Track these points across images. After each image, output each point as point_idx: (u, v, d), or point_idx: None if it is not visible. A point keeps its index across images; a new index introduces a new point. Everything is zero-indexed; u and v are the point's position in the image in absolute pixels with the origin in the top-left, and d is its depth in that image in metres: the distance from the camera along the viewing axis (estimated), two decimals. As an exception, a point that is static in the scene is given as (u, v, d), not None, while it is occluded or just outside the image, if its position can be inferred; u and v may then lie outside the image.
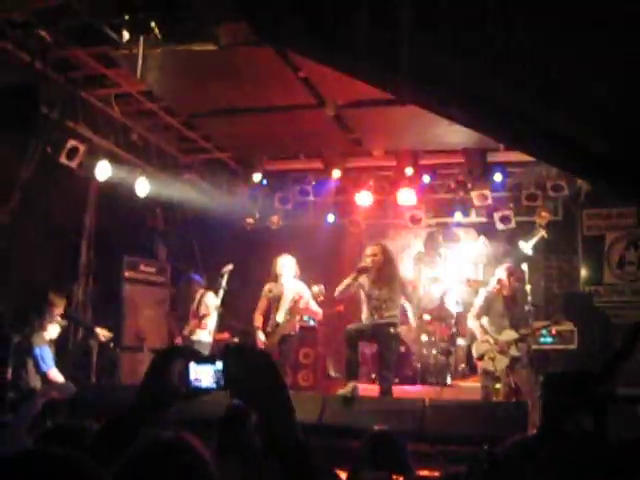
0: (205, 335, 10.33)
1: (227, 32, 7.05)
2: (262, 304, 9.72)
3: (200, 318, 10.36)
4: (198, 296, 10.57)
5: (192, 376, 1.86)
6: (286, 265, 9.70)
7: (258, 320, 9.66)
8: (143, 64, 7.91)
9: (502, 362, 8.75)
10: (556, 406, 2.04)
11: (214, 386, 1.85)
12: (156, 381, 1.87)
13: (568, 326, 9.39)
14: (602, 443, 1.95)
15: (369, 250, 9.05)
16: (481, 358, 8.91)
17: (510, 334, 8.84)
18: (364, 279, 8.93)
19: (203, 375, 1.85)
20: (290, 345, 9.52)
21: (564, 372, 8.57)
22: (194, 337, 10.30)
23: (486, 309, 9.05)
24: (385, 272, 8.91)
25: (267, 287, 9.74)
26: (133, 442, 1.68)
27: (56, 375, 8.75)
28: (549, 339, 9.97)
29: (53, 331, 8.98)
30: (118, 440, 1.72)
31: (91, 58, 8.56)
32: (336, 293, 9.11)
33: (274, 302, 9.66)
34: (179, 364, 1.87)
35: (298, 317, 9.67)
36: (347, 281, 8.96)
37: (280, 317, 9.56)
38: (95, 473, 1.49)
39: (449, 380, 10.95)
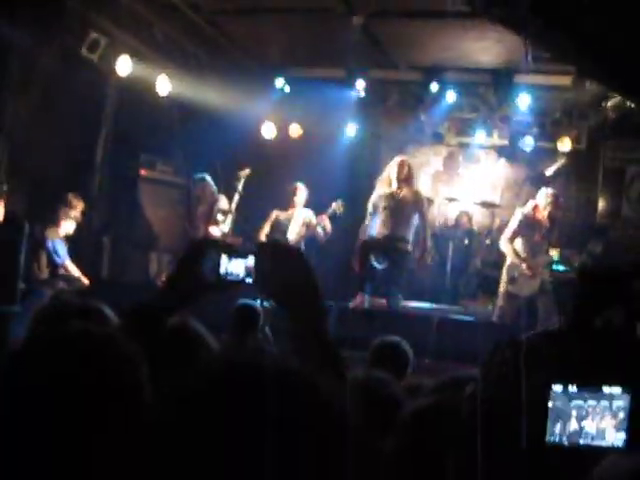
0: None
1: None
2: (267, 225, 9.89)
3: (211, 224, 10.26)
4: (210, 200, 10.45)
5: (223, 269, 1.84)
6: (301, 195, 9.96)
7: (261, 238, 9.85)
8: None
9: (532, 286, 8.77)
10: (588, 298, 1.99)
11: (244, 279, 1.83)
12: (187, 271, 1.85)
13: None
14: (632, 340, 1.91)
15: (393, 163, 9.03)
16: (511, 281, 8.90)
17: (544, 259, 8.84)
18: (384, 190, 8.96)
19: (234, 269, 1.83)
20: None
21: (598, 264, 8.60)
22: None
23: (520, 231, 8.99)
24: (406, 187, 8.92)
25: (275, 213, 9.83)
26: (159, 332, 1.66)
27: (71, 268, 8.83)
28: (561, 267, 9.93)
29: (68, 227, 9.03)
30: (142, 329, 1.70)
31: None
32: (370, 207, 9.20)
33: (280, 225, 9.80)
34: (211, 256, 1.85)
35: (304, 240, 9.85)
36: (379, 191, 8.99)
37: (291, 236, 9.72)
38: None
39: (457, 300, 11.00)
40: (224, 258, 1.84)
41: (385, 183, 9.17)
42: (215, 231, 10.16)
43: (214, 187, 10.63)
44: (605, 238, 10.75)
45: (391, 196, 8.92)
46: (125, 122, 11.20)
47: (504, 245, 9.16)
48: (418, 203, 9.09)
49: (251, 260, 1.82)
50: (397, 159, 9.46)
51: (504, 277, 9.11)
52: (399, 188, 8.95)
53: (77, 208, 9.16)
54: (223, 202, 10.25)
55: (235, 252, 1.85)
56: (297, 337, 1.74)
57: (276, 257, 1.78)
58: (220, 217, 10.19)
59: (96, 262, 10.50)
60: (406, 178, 9.07)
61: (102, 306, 2.72)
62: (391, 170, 9.21)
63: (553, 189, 9.30)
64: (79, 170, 10.61)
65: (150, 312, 1.83)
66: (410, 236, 9.02)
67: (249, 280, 1.83)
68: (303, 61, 11.55)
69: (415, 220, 9.07)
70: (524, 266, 8.80)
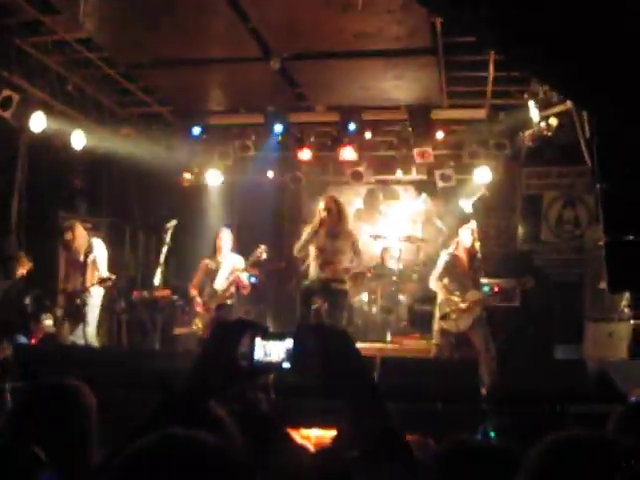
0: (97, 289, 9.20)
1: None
2: (199, 277, 9.71)
3: (87, 268, 9.15)
4: (83, 243, 9.28)
5: (258, 353, 1.71)
6: (225, 240, 9.68)
7: (193, 291, 9.64)
8: (84, 9, 7.58)
9: (466, 321, 8.84)
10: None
11: (283, 364, 1.70)
12: (220, 357, 1.69)
13: (530, 282, 9.46)
14: None
15: (323, 203, 8.94)
16: (444, 317, 8.95)
17: (475, 293, 8.93)
18: (314, 227, 8.90)
19: (270, 352, 1.70)
20: (227, 313, 9.43)
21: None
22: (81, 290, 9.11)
23: (448, 271, 9.09)
24: (339, 225, 8.87)
25: (205, 261, 9.72)
26: (197, 423, 1.50)
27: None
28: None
29: None
30: (176, 421, 1.52)
31: (26, 3, 8.13)
32: (296, 252, 9.07)
33: (210, 274, 9.63)
34: (245, 339, 1.71)
35: (234, 287, 9.61)
36: (305, 237, 8.89)
37: (218, 285, 9.54)
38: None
39: (389, 337, 10.98)
40: (259, 340, 1.71)
41: (315, 220, 9.07)
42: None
43: (87, 237, 9.44)
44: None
45: (323, 233, 8.83)
46: (38, 179, 10.92)
47: (434, 284, 9.24)
48: (353, 241, 9.06)
49: (289, 343, 1.70)
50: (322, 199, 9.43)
51: (437, 314, 9.17)
52: (328, 221, 8.82)
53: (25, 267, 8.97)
54: (100, 245, 9.33)
55: (271, 334, 1.72)
56: (354, 423, 1.62)
57: (321, 340, 1.68)
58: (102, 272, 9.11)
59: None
60: (334, 212, 8.95)
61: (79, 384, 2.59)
62: (319, 206, 9.16)
63: (472, 224, 9.39)
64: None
65: (183, 400, 1.68)
66: (346, 275, 8.98)
67: (287, 365, 1.69)
68: (221, 109, 11.49)
69: (349, 258, 9.02)
70: (456, 300, 8.89)
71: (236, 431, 1.75)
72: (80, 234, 9.32)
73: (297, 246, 8.98)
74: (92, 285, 8.96)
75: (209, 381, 1.70)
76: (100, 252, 9.25)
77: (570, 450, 1.47)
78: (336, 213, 8.84)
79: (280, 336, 1.71)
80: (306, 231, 8.97)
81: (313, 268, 8.91)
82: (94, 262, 9.12)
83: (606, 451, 1.45)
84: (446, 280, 9.13)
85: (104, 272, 9.09)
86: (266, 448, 1.68)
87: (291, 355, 1.69)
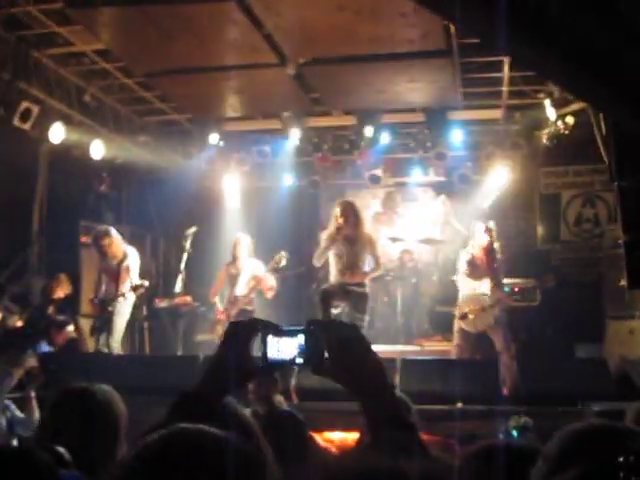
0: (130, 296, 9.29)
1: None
2: (219, 283, 9.85)
3: (121, 276, 9.25)
4: (118, 250, 9.37)
5: (271, 350, 1.74)
6: (244, 246, 9.74)
7: (214, 297, 9.78)
8: (100, 20, 7.66)
9: (484, 321, 8.76)
10: None
11: (294, 360, 1.74)
12: (235, 354, 1.73)
13: (551, 280, 9.39)
14: None
15: (338, 209, 8.94)
16: (463, 317, 8.90)
17: (495, 293, 8.86)
18: (331, 232, 8.90)
19: (283, 349, 1.73)
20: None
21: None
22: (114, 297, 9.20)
23: (469, 270, 9.02)
24: (356, 230, 8.86)
25: (225, 267, 9.81)
26: (211, 421, 1.54)
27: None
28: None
29: None
30: (193, 415, 1.56)
31: (43, 15, 8.24)
32: (315, 261, 9.04)
33: (231, 279, 9.72)
34: (257, 337, 1.75)
35: (255, 293, 9.72)
36: (323, 244, 8.87)
37: (239, 291, 9.63)
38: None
39: (411, 340, 10.99)
40: (271, 338, 1.75)
41: (331, 226, 9.08)
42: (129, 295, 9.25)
43: (122, 244, 9.53)
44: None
45: (341, 239, 8.83)
46: (60, 190, 11.04)
47: (460, 282, 9.18)
48: (371, 245, 9.04)
49: (301, 339, 1.73)
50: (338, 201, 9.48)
51: (457, 314, 9.13)
52: (345, 227, 8.83)
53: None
54: (134, 254, 9.44)
55: (283, 331, 1.75)
56: (368, 418, 1.64)
57: (332, 335, 1.70)
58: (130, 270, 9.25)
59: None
60: (350, 217, 8.96)
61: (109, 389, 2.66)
62: (334, 212, 9.17)
63: (486, 221, 9.32)
64: (16, 243, 10.39)
65: (196, 399, 1.71)
66: (366, 280, 8.97)
67: (300, 360, 1.73)
68: (237, 115, 11.55)
69: (368, 262, 9.03)
70: (480, 297, 8.83)
71: (256, 429, 1.78)
72: (116, 240, 9.37)
73: (316, 255, 8.99)
74: (127, 292, 9.04)
75: (222, 380, 1.74)
76: (134, 260, 9.33)
77: (586, 437, 1.50)
78: (352, 218, 8.82)
79: (292, 333, 1.74)
80: (323, 239, 8.97)
81: (333, 274, 8.92)
82: (127, 269, 9.18)
83: (621, 437, 1.48)
84: (468, 280, 9.08)
85: (136, 279, 9.15)
86: (291, 448, 1.70)
87: (303, 351, 1.72)
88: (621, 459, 1.38)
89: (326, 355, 1.69)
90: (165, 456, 1.32)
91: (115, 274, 9.22)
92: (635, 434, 1.51)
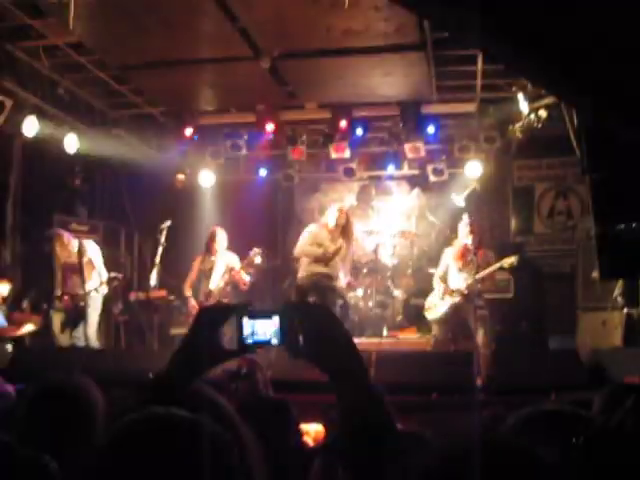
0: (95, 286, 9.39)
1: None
2: (192, 276, 9.80)
3: (84, 270, 9.25)
4: (73, 248, 9.45)
5: (246, 332, 1.77)
6: (220, 239, 9.77)
7: (188, 291, 9.76)
8: (73, 13, 7.60)
9: (443, 307, 8.88)
10: None
11: (270, 341, 1.77)
12: (204, 339, 1.75)
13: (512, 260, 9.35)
14: None
15: (337, 213, 9.24)
16: (427, 310, 9.01)
17: (459, 282, 8.94)
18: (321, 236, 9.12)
19: (258, 330, 1.76)
20: None
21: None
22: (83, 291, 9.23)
23: (456, 265, 9.11)
24: (345, 238, 9.16)
25: (198, 259, 9.80)
26: (181, 401, 1.56)
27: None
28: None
29: None
30: (163, 400, 1.58)
31: (16, 8, 8.16)
32: (297, 251, 9.36)
33: (205, 273, 9.73)
34: (231, 320, 1.77)
35: (230, 286, 9.73)
36: (308, 237, 9.17)
37: (213, 285, 9.63)
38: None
39: (385, 332, 11.05)
40: (246, 320, 1.77)
41: (324, 228, 9.29)
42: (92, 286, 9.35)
43: (73, 240, 9.61)
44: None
45: (328, 247, 9.07)
46: (33, 184, 10.97)
47: (436, 283, 9.28)
48: (348, 258, 9.33)
49: (276, 321, 1.75)
50: (336, 206, 9.65)
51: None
52: (337, 237, 9.14)
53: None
54: (93, 246, 9.59)
55: (258, 313, 1.78)
56: (340, 395, 1.67)
57: (306, 316, 1.73)
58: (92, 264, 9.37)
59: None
60: (345, 228, 9.28)
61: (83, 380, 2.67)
62: (330, 216, 9.35)
63: (465, 218, 9.37)
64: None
65: (166, 383, 1.74)
66: (339, 273, 9.10)
67: (275, 341, 1.76)
68: (211, 108, 11.52)
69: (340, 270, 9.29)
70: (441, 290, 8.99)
71: (233, 413, 1.80)
72: (65, 239, 9.53)
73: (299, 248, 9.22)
74: (100, 285, 9.14)
75: (192, 362, 1.75)
76: (94, 252, 9.41)
77: (536, 419, 1.55)
78: (346, 230, 9.13)
79: (267, 315, 1.77)
80: (309, 232, 9.14)
81: (306, 263, 9.01)
82: (89, 262, 9.23)
83: (568, 420, 1.53)
84: (453, 273, 9.14)
85: (103, 271, 9.26)
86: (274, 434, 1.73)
87: (279, 333, 1.75)
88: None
89: (301, 337, 1.72)
90: (134, 439, 1.34)
91: (77, 269, 9.24)
92: (580, 417, 1.57)
